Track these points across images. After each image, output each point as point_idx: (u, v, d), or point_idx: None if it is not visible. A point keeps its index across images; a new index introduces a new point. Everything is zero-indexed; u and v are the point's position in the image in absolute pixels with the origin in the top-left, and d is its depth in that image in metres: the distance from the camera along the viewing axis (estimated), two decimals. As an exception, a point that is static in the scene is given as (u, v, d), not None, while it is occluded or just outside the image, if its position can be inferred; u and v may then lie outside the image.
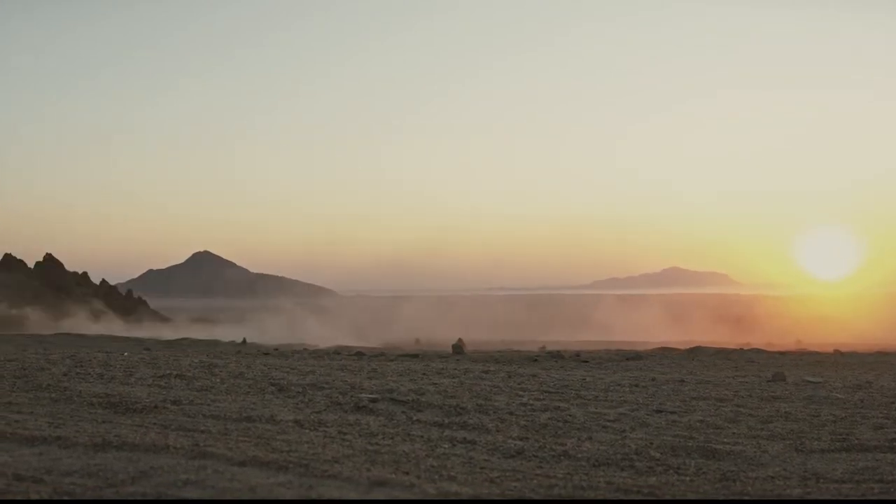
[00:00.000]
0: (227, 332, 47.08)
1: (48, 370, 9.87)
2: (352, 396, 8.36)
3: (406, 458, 5.39)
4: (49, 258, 74.39)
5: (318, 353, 20.36)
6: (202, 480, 4.38)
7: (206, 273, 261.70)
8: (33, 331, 45.63)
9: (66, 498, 4.03)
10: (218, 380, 9.47)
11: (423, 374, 11.79)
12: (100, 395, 7.77)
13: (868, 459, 6.02)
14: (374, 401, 8.07)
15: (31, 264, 73.44)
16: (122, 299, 79.18)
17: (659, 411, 8.29)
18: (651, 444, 6.41)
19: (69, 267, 75.87)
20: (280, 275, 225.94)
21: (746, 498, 4.82)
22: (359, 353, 20.23)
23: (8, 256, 72.25)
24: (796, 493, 4.96)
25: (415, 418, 7.29)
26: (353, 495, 4.27)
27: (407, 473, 4.87)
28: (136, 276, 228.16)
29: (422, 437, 6.38)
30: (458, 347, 22.28)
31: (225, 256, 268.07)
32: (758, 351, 22.63)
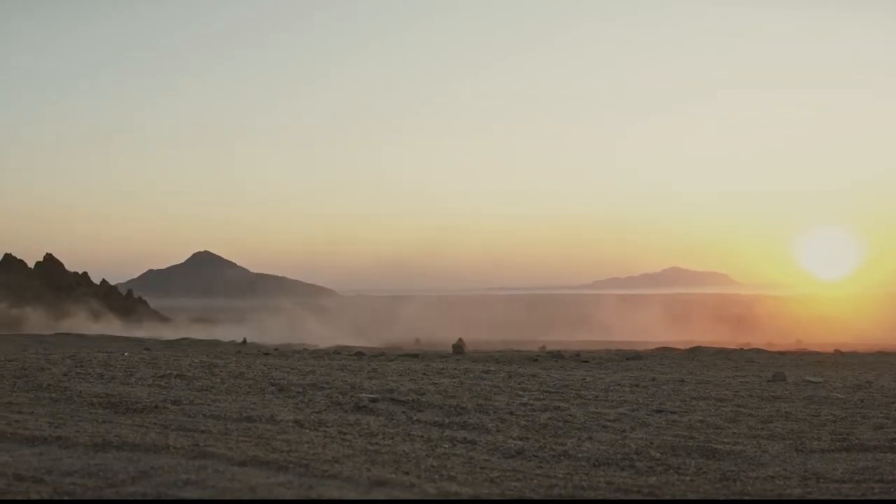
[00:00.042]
0: (227, 332, 46.96)
1: (48, 370, 9.88)
2: (352, 396, 8.37)
3: (406, 458, 5.39)
4: (49, 258, 74.36)
5: (318, 353, 20.34)
6: (202, 480, 4.38)
7: (206, 273, 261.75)
8: (33, 331, 45.54)
9: (66, 498, 4.03)
10: (218, 380, 9.48)
11: (424, 374, 11.79)
12: (100, 395, 7.77)
13: (868, 459, 6.02)
14: (374, 401, 8.07)
15: (31, 264, 73.38)
16: (122, 299, 79.09)
17: (659, 411, 8.29)
18: (651, 443, 6.41)
19: (69, 267, 75.89)
20: (280, 275, 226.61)
21: (746, 498, 4.82)
22: (359, 353, 20.22)
23: (8, 256, 72.16)
24: (796, 493, 4.96)
25: (415, 418, 7.29)
26: (353, 495, 4.27)
27: (407, 473, 4.87)
28: (136, 276, 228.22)
29: (422, 437, 6.38)
30: (459, 347, 22.26)
31: (225, 256, 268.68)
32: (758, 351, 22.61)
